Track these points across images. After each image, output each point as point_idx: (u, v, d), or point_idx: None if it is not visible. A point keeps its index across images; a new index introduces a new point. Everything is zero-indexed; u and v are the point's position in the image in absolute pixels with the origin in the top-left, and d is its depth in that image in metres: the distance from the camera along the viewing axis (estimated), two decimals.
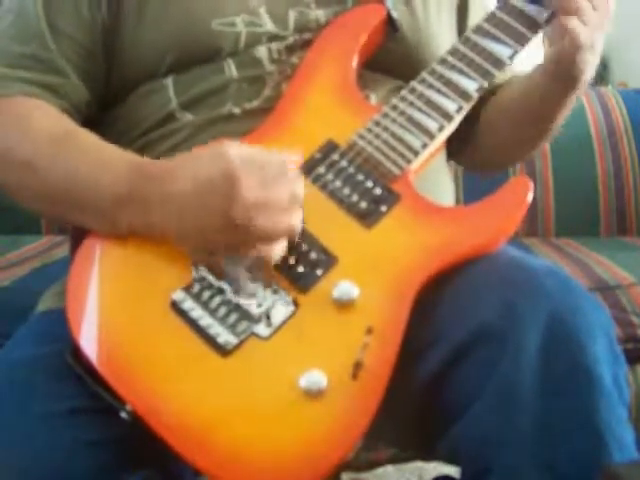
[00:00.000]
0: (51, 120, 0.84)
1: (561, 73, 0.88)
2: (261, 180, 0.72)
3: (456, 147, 1.00)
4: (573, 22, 0.82)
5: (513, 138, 1.03)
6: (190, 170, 0.74)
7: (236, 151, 0.73)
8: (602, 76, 3.25)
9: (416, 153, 0.81)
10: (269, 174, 0.72)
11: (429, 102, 0.83)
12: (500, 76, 1.01)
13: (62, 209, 0.81)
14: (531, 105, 0.96)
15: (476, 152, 1.05)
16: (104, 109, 0.92)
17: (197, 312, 0.73)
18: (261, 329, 0.73)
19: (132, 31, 0.88)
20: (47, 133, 0.82)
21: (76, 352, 0.72)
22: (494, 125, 1.02)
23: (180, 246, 0.75)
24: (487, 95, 1.00)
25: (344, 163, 0.81)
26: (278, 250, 0.74)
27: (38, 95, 0.86)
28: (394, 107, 0.83)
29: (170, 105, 0.88)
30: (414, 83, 0.85)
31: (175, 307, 0.74)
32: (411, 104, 0.83)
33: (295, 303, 0.74)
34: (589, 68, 0.87)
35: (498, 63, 0.85)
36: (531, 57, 1.01)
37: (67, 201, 0.80)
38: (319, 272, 0.75)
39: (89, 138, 0.82)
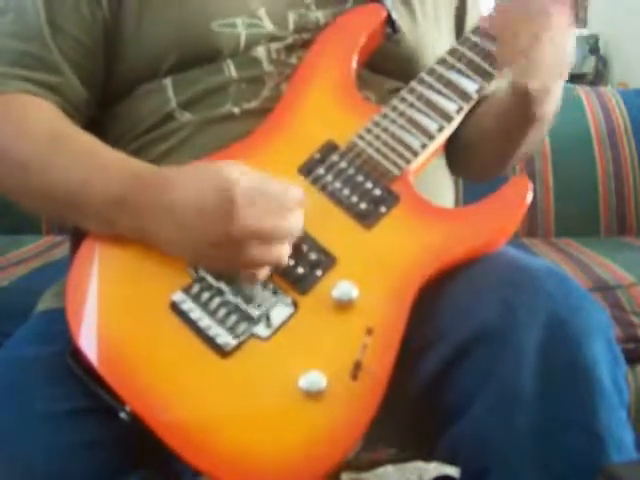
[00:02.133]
0: (49, 119, 0.84)
1: (515, 97, 0.87)
2: (258, 210, 0.72)
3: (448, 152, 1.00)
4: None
5: (488, 152, 1.01)
6: (191, 185, 0.74)
7: (240, 176, 0.73)
8: (602, 76, 3.26)
9: (415, 154, 0.81)
10: (268, 205, 0.72)
11: (429, 103, 0.83)
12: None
13: (58, 209, 0.81)
14: (502, 121, 0.94)
15: (459, 163, 1.04)
16: (103, 108, 0.92)
17: (197, 313, 0.73)
18: (261, 330, 0.73)
19: (132, 31, 0.88)
20: (44, 132, 0.82)
21: (75, 353, 0.72)
22: (470, 138, 1.01)
23: (175, 255, 0.75)
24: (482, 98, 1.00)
25: (344, 164, 0.81)
26: (262, 275, 0.74)
27: (37, 94, 0.85)
28: (394, 108, 0.83)
29: (169, 105, 0.88)
30: (414, 84, 0.85)
31: (175, 308, 0.74)
32: (411, 105, 0.83)
33: (295, 304, 0.74)
34: (539, 99, 0.85)
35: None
36: None
37: (63, 202, 0.79)
38: (318, 273, 0.75)
39: (86, 140, 0.82)
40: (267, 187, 0.73)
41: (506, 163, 1.02)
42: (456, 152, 1.00)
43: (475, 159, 1.03)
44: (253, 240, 0.71)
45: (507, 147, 0.97)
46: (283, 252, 0.74)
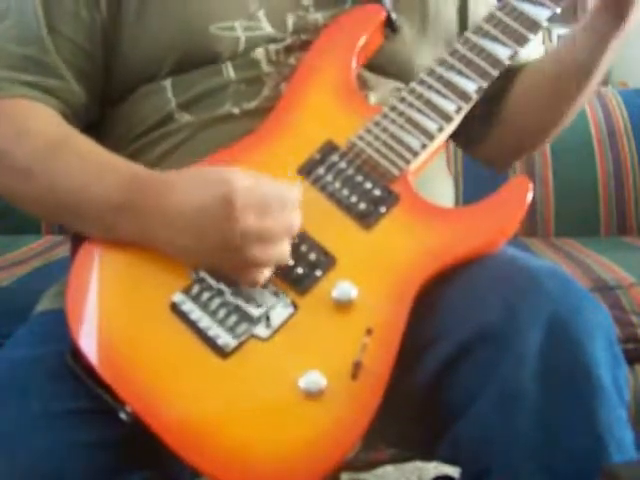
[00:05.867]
0: (49, 124, 0.84)
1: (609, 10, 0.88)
2: (258, 210, 0.72)
3: (476, 134, 1.00)
4: None
5: (547, 110, 1.01)
6: (190, 189, 0.74)
7: (238, 178, 0.73)
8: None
9: (415, 154, 0.81)
10: (267, 205, 0.72)
11: (428, 103, 0.83)
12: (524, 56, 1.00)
13: (58, 215, 0.82)
14: (570, 65, 0.95)
15: (500, 136, 1.04)
16: (103, 110, 0.92)
17: (197, 314, 0.73)
18: (261, 330, 0.73)
19: (131, 34, 0.88)
20: (44, 138, 0.82)
21: (75, 353, 0.72)
22: (525, 101, 1.01)
23: (177, 258, 0.75)
24: (514, 72, 1.00)
25: (343, 164, 0.81)
26: (266, 275, 0.74)
27: (37, 98, 0.85)
28: (393, 108, 0.83)
29: (169, 106, 0.88)
30: (413, 84, 0.85)
31: (175, 309, 0.74)
32: (410, 105, 0.83)
33: (294, 304, 0.74)
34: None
35: (497, 64, 0.85)
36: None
37: (63, 207, 0.80)
38: (318, 273, 0.75)
39: (87, 144, 0.82)
40: (264, 188, 0.73)
41: (558, 123, 1.03)
42: (493, 123, 1.00)
43: (522, 125, 1.03)
44: (254, 240, 0.71)
45: (564, 102, 0.99)
46: (285, 250, 0.74)
